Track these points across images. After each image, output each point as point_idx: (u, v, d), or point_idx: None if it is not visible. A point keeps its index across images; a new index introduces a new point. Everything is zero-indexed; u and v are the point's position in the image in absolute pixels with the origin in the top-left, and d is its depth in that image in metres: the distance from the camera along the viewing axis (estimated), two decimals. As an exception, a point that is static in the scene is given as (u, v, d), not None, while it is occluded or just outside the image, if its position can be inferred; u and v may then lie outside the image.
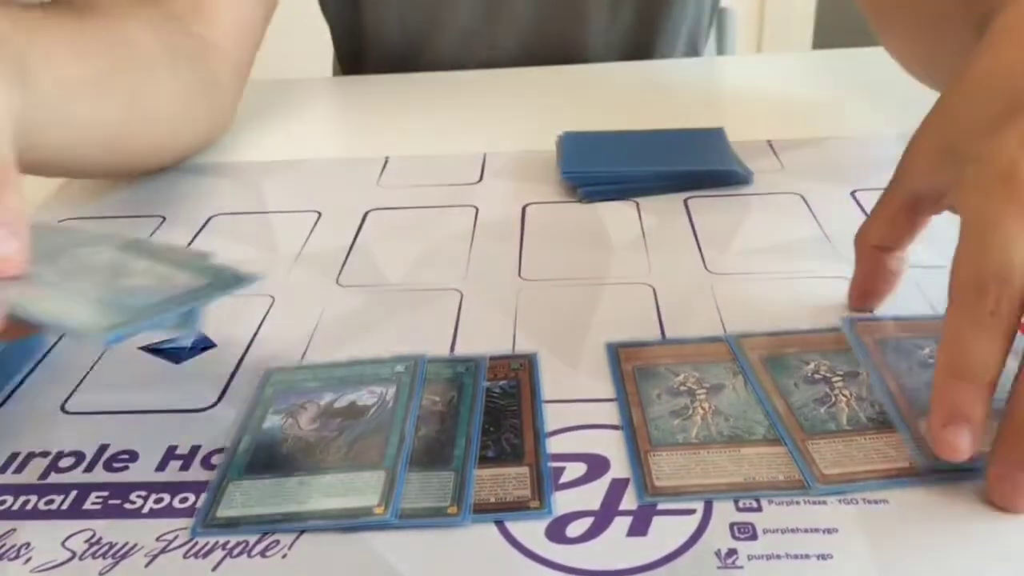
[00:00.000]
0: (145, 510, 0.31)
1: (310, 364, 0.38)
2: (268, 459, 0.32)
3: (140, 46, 0.52)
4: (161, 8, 0.56)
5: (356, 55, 0.85)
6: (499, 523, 0.29)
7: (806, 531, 0.28)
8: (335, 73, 0.92)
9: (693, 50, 0.86)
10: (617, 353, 0.37)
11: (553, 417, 0.34)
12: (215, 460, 0.33)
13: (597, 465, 0.32)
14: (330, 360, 0.38)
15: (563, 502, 0.30)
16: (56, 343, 0.40)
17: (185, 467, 0.32)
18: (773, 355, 0.36)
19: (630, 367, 0.36)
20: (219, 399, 0.36)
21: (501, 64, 0.76)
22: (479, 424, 0.33)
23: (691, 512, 0.29)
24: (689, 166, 0.53)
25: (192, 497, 0.31)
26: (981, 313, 0.28)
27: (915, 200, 0.35)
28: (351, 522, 0.29)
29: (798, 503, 0.29)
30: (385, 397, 0.35)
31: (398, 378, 0.35)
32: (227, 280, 0.33)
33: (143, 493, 0.31)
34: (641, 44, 0.82)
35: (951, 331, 0.29)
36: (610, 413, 0.34)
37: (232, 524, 0.30)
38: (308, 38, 0.88)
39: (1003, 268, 0.27)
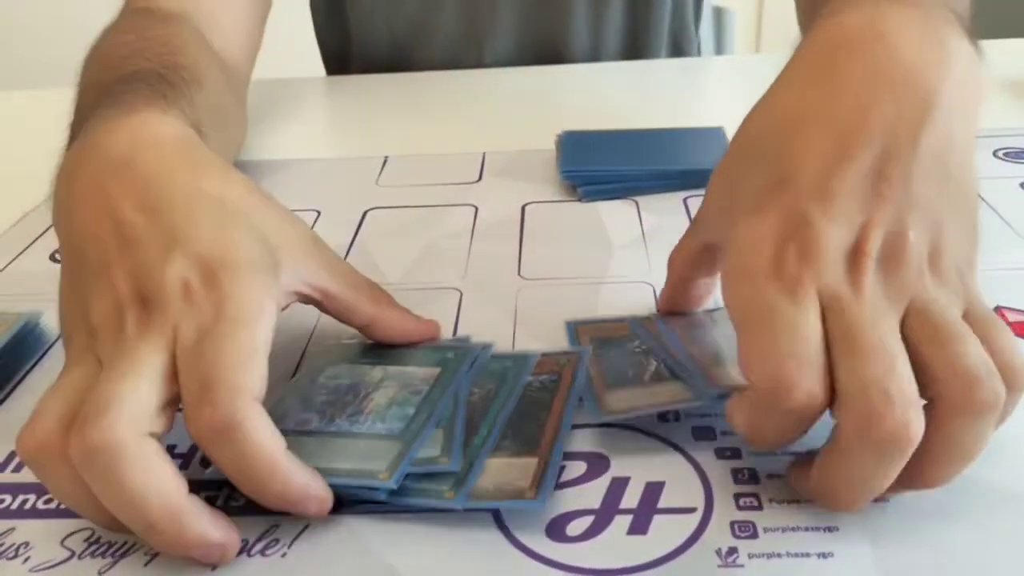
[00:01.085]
0: (144, 509, 0.30)
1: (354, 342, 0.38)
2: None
3: (225, 96, 0.51)
4: (204, 36, 0.54)
5: (342, 62, 0.85)
6: (500, 524, 0.29)
7: (807, 529, 0.28)
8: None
9: (678, 50, 0.86)
10: (576, 330, 0.39)
11: (553, 416, 0.34)
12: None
13: (597, 463, 0.32)
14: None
15: (564, 500, 0.30)
16: (54, 343, 0.40)
17: (184, 466, 0.32)
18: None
19: (588, 339, 0.38)
20: (218, 398, 0.36)
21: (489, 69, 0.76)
22: (506, 416, 0.33)
23: (692, 511, 0.29)
24: (688, 165, 0.53)
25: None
26: (789, 404, 0.26)
27: (710, 245, 0.35)
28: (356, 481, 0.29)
29: (799, 502, 0.29)
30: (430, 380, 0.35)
31: (445, 363, 0.36)
32: (458, 359, 0.35)
33: (142, 492, 0.31)
34: (628, 45, 0.82)
35: (756, 423, 0.28)
36: (610, 412, 0.34)
37: None
38: (307, 38, 0.88)
39: (797, 354, 0.26)
